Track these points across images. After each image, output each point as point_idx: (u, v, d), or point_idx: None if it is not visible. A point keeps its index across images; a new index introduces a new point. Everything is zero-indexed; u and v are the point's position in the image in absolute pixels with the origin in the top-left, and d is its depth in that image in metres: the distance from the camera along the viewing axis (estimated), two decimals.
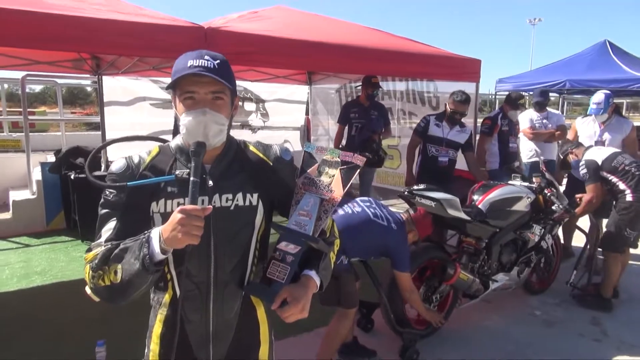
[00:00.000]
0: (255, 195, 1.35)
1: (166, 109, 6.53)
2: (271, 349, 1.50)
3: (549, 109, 6.14)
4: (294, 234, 1.31)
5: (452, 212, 3.25)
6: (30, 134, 6.38)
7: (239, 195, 1.33)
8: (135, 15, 3.34)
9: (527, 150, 5.92)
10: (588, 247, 4.27)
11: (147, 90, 6.48)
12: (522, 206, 3.67)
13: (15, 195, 5.95)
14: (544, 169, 4.16)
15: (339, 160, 1.37)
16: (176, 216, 1.14)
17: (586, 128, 4.83)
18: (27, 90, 6.74)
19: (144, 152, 1.36)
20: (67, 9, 3.07)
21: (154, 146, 1.39)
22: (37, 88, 29.01)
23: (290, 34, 3.95)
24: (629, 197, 3.79)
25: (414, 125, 5.19)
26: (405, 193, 3.38)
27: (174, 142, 1.37)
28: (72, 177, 5.47)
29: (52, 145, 7.84)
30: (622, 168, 3.86)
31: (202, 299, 1.34)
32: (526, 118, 5.91)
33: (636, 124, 12.01)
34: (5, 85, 9.45)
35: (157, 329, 1.39)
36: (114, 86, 6.19)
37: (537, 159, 5.15)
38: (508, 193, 3.66)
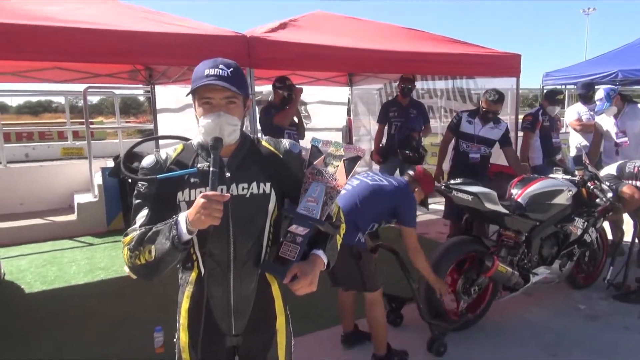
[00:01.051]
0: (268, 185, 1.51)
1: None
2: (287, 321, 1.66)
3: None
4: (303, 218, 1.47)
5: (489, 206, 3.30)
6: (92, 142, 6.89)
7: (254, 185, 1.50)
8: (182, 26, 3.60)
9: (574, 144, 5.84)
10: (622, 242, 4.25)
11: None
12: (563, 199, 3.65)
13: (80, 199, 6.47)
14: (587, 161, 4.12)
15: (343, 152, 1.53)
16: (199, 201, 1.30)
17: (605, 124, 4.90)
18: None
19: (170, 149, 1.56)
20: (120, 24, 3.35)
21: (179, 144, 1.59)
22: (95, 100, 30.74)
23: (330, 39, 4.12)
24: None
25: None
26: (442, 187, 3.46)
27: (196, 140, 1.55)
28: (129, 180, 5.89)
29: (111, 152, 8.44)
30: (637, 171, 3.97)
31: (224, 276, 1.52)
32: (574, 111, 5.84)
33: None
34: (69, 98, 10.18)
35: (184, 304, 1.58)
36: (166, 94, 6.57)
37: (580, 153, 5.11)
38: (548, 186, 3.65)
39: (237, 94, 1.45)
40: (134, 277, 1.50)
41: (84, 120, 7.08)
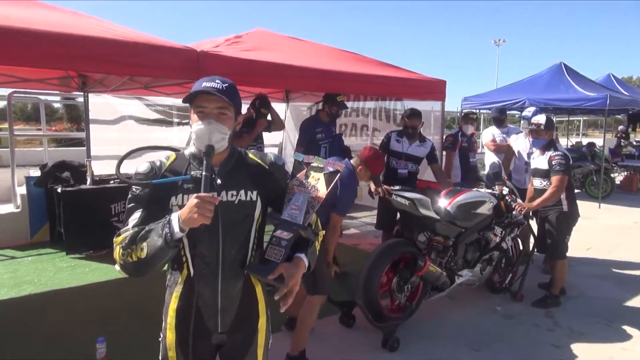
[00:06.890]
0: (255, 192, 1.65)
1: (150, 126, 6.76)
2: (268, 321, 1.80)
3: (510, 125, 6.73)
4: (287, 224, 1.62)
5: (423, 211, 3.63)
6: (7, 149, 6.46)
7: (242, 192, 1.63)
8: (133, 36, 3.62)
9: (489, 163, 6.45)
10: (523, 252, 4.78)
11: (132, 108, 6.66)
12: (485, 209, 4.08)
13: None
14: (506, 177, 4.63)
15: (323, 166, 1.72)
16: (193, 201, 1.40)
17: (520, 144, 5.46)
18: None
19: (163, 157, 1.67)
20: (64, 27, 3.28)
21: (172, 153, 1.70)
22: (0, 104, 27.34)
23: (272, 57, 4.29)
24: (565, 208, 4.31)
25: (377, 142, 5.52)
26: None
27: (188, 150, 1.68)
28: (58, 190, 5.63)
29: (33, 161, 7.93)
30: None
31: (212, 277, 1.63)
32: (489, 133, 6.46)
33: (591, 140, 12.70)
34: None
35: (172, 304, 1.67)
36: (99, 104, 6.37)
37: (499, 169, 5.66)
38: (474, 197, 4.07)
39: (229, 106, 1.58)
40: (125, 275, 1.56)
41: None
